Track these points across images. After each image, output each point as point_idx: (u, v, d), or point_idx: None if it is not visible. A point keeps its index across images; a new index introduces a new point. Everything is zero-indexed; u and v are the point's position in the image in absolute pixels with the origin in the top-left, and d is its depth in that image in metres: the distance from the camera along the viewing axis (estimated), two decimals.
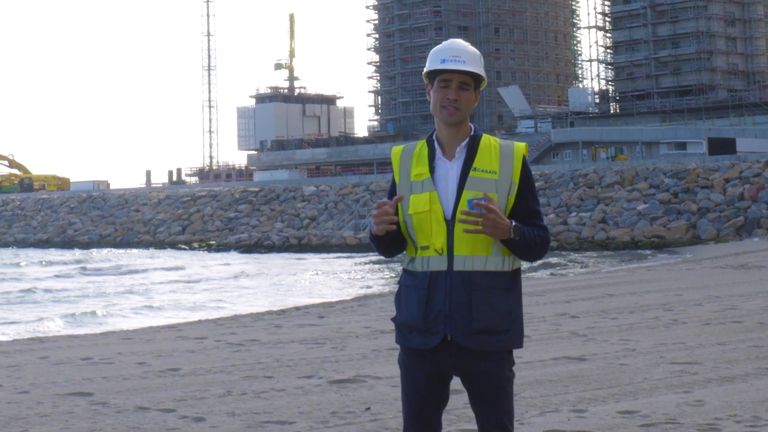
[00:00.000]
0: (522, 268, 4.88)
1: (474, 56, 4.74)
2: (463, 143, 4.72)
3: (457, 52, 4.71)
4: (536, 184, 60.03)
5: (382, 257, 5.37)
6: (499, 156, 4.69)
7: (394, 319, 4.81)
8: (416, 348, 4.68)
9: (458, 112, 4.69)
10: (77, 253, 66.25)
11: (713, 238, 50.24)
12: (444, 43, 4.81)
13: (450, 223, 4.63)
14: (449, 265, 4.62)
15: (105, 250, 71.15)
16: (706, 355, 11.30)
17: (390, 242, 4.77)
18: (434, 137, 4.79)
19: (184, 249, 70.28)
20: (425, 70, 4.80)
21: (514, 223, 4.58)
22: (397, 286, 4.86)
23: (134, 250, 70.61)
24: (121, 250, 70.67)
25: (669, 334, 13.28)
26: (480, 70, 4.73)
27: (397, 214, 4.75)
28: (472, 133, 4.75)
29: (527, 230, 4.64)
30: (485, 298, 4.60)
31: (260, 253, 62.08)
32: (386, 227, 4.64)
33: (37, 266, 50.95)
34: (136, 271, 45.01)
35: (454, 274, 4.61)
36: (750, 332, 13.27)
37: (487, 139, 4.75)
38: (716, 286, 21.34)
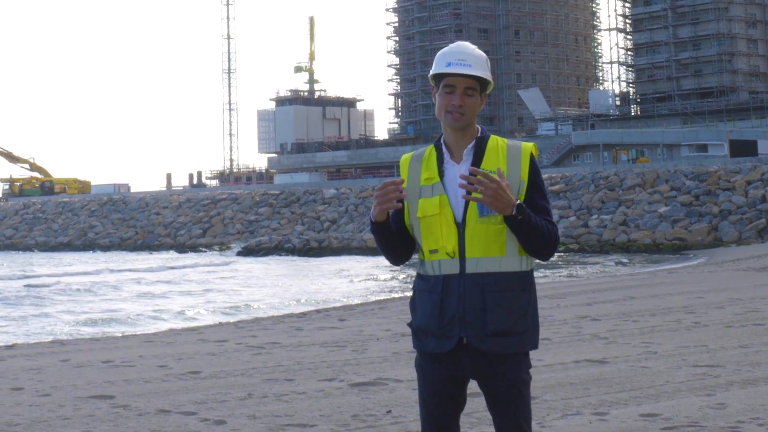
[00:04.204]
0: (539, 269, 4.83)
1: (480, 59, 4.68)
2: (470, 145, 4.69)
3: (463, 56, 4.65)
4: (557, 187, 59.23)
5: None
6: (506, 156, 4.66)
7: (410, 324, 4.80)
8: (432, 352, 4.66)
9: (463, 118, 4.65)
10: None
11: (735, 241, 50.03)
12: (450, 45, 4.74)
13: (461, 226, 4.59)
14: (461, 267, 4.59)
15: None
16: (728, 358, 11.24)
17: (394, 239, 4.70)
18: (442, 141, 4.76)
19: (204, 251, 70.51)
20: (431, 72, 4.74)
21: (519, 201, 4.50)
22: (411, 290, 4.85)
23: (169, 253, 70.54)
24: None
25: (691, 337, 13.22)
26: (486, 74, 4.69)
27: (402, 203, 4.69)
28: (478, 134, 4.72)
29: (534, 216, 4.56)
30: (499, 299, 4.57)
31: (280, 255, 62.14)
32: (389, 206, 4.55)
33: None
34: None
35: (467, 276, 4.59)
36: None
37: (494, 140, 4.72)
38: (738, 289, 21.23)
